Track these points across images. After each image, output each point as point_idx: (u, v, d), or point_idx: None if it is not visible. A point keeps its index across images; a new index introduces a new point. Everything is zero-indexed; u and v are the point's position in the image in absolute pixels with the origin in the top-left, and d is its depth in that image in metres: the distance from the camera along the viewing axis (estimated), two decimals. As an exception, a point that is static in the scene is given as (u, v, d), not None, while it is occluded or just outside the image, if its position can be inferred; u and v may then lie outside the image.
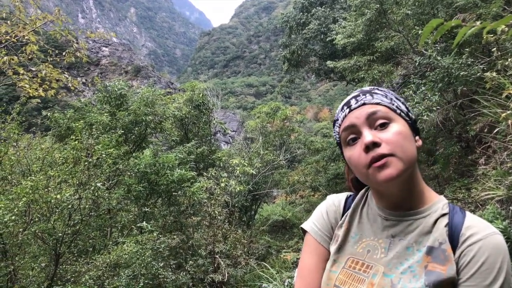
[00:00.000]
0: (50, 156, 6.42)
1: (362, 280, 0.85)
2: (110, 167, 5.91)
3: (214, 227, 7.29)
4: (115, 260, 4.88)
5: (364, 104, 0.88)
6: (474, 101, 5.35)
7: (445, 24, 0.83)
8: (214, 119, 12.41)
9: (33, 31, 4.84)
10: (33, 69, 5.14)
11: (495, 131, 4.36)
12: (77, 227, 4.82)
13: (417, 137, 0.91)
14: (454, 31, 5.27)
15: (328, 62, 11.26)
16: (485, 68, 5.03)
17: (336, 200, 1.05)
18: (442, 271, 0.79)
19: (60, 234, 4.52)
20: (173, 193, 6.93)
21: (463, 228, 0.83)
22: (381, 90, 0.92)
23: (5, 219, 4.02)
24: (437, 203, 0.89)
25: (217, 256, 7.07)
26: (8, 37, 4.61)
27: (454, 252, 0.81)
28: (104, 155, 5.53)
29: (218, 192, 7.60)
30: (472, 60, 5.32)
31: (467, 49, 5.45)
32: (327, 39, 13.07)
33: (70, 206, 4.66)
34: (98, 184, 5.00)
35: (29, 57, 4.92)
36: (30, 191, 4.36)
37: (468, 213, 0.86)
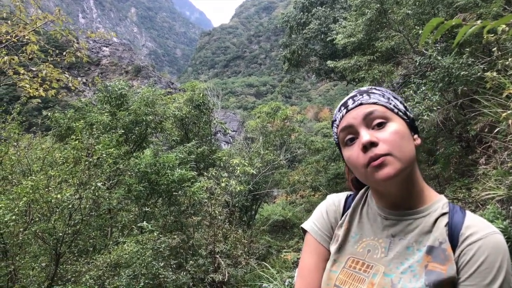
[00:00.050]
0: (51, 156, 6.42)
1: (363, 280, 0.85)
2: (110, 167, 5.92)
3: (215, 227, 7.30)
4: (115, 260, 4.88)
5: (361, 104, 0.88)
6: (475, 101, 5.34)
7: (446, 23, 0.83)
8: (215, 119, 12.41)
9: (34, 31, 4.84)
10: (34, 69, 5.14)
11: (495, 130, 4.36)
12: (78, 227, 4.82)
13: (415, 136, 0.90)
14: (454, 31, 5.27)
15: (329, 62, 11.27)
16: (485, 68, 5.03)
17: (336, 199, 1.05)
18: (442, 271, 0.79)
19: (60, 234, 4.52)
20: (174, 193, 6.93)
21: (463, 228, 0.82)
22: (379, 90, 0.92)
23: (6, 219, 4.02)
24: (437, 202, 0.89)
25: (217, 256, 7.07)
26: (8, 37, 4.61)
27: (454, 252, 0.81)
28: (104, 155, 5.53)
29: (219, 192, 7.60)
30: (473, 60, 5.31)
31: (468, 49, 5.45)
32: (328, 39, 13.08)
33: (70, 206, 4.66)
34: (99, 184, 5.00)
35: (30, 57, 4.92)
36: (31, 191, 4.37)
37: (468, 212, 0.86)
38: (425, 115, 5.50)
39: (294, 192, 17.23)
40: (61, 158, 5.63)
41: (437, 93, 5.66)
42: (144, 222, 5.77)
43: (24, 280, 4.43)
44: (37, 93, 4.95)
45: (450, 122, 6.53)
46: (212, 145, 11.86)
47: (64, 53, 5.38)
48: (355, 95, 0.91)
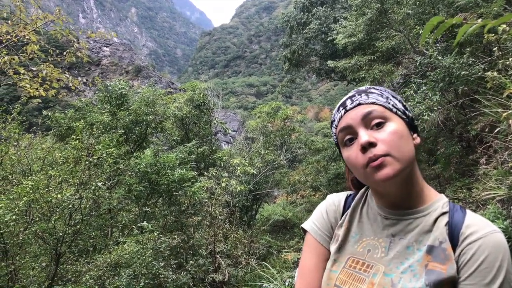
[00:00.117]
0: (51, 155, 6.43)
1: (363, 279, 0.85)
2: (110, 167, 5.92)
3: (215, 227, 7.30)
4: (115, 260, 4.88)
5: (359, 104, 0.88)
6: (475, 100, 5.33)
7: (446, 21, 0.83)
8: (215, 119, 12.42)
9: (34, 31, 4.84)
10: (34, 69, 5.14)
11: (496, 130, 4.36)
12: (78, 226, 4.82)
13: (415, 135, 0.90)
14: (455, 31, 5.27)
15: (329, 62, 11.27)
16: (486, 68, 5.02)
17: (336, 199, 1.04)
18: (443, 270, 0.79)
19: (60, 234, 4.52)
20: (174, 193, 6.93)
21: (463, 227, 0.82)
22: (377, 89, 0.91)
23: (6, 219, 4.02)
24: (437, 202, 0.88)
25: (217, 256, 7.08)
26: (9, 37, 4.62)
27: (454, 251, 0.81)
28: (104, 155, 5.53)
29: (219, 192, 7.61)
30: (473, 59, 5.30)
31: (468, 49, 5.44)
32: (328, 39, 13.09)
33: (70, 206, 4.66)
34: (99, 184, 5.00)
35: (30, 57, 4.92)
36: (31, 191, 4.37)
37: (468, 212, 0.86)
38: (426, 115, 5.49)
39: (295, 192, 17.24)
40: (61, 158, 5.64)
41: (437, 93, 5.65)
42: (145, 222, 5.77)
43: (24, 280, 4.43)
44: (37, 93, 4.95)
45: (451, 122, 6.52)
46: (213, 145, 11.86)
47: (65, 53, 5.38)
48: (354, 95, 0.91)
